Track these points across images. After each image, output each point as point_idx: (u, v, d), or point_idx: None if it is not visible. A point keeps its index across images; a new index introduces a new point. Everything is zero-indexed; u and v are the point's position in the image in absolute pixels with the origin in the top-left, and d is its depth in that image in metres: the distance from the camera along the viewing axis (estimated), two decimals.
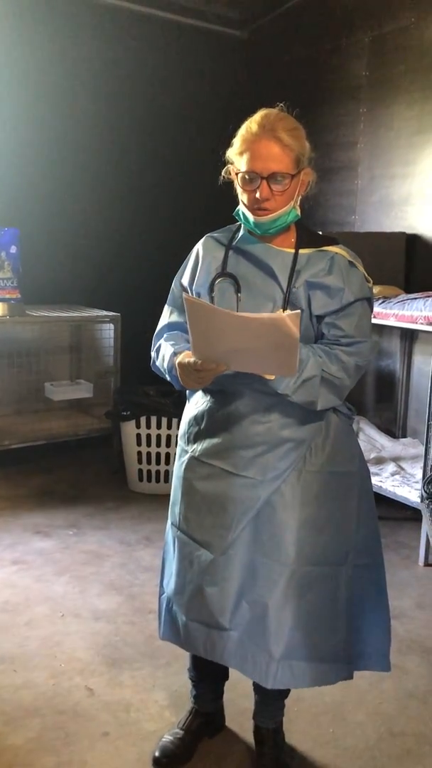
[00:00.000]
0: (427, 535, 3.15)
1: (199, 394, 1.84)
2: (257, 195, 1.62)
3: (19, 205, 4.30)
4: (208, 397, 1.80)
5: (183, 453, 1.85)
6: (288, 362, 1.50)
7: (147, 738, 2.06)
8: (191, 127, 4.89)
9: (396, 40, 4.05)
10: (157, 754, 1.96)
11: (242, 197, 1.68)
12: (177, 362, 1.65)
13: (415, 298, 3.33)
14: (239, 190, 1.68)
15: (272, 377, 1.61)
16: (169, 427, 3.83)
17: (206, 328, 1.51)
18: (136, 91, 4.69)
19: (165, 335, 1.81)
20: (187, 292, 1.77)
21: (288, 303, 1.66)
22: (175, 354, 1.70)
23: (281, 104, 1.68)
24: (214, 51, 4.94)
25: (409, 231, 4.02)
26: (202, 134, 4.83)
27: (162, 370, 1.78)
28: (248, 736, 2.04)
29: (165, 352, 1.75)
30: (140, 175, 4.80)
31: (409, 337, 4.04)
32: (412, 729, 2.14)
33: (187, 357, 1.62)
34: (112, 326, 4.28)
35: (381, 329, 3.97)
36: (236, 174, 1.66)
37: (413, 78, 3.96)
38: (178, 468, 1.87)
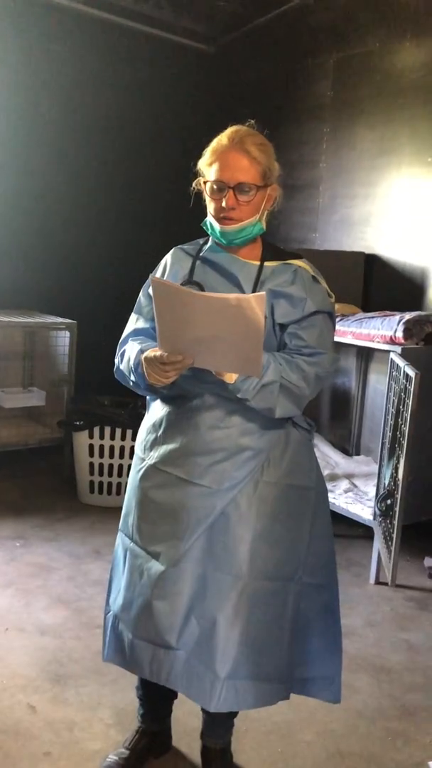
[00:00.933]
0: (378, 553, 3.15)
1: (158, 402, 1.82)
2: (223, 204, 1.65)
3: None
4: (168, 404, 1.78)
5: (139, 461, 1.82)
6: (253, 357, 1.50)
7: (91, 758, 1.99)
8: (156, 138, 4.88)
9: (360, 63, 4.13)
10: None
11: (210, 207, 1.71)
12: (143, 357, 1.64)
13: (373, 317, 3.36)
14: (208, 199, 1.71)
15: (234, 379, 1.60)
16: (123, 438, 3.78)
17: (173, 313, 1.51)
18: (102, 100, 4.67)
19: (130, 340, 1.78)
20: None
21: None
22: (141, 351, 1.68)
23: (251, 121, 1.74)
24: (181, 64, 4.95)
25: (368, 251, 4.07)
26: (166, 145, 4.82)
27: (126, 373, 1.75)
28: (196, 756, 1.99)
29: (131, 352, 1.73)
30: (102, 183, 4.76)
31: (366, 355, 4.08)
32: (361, 749, 2.12)
33: (153, 352, 1.61)
34: (67, 333, 4.20)
35: (338, 347, 4.00)
36: (205, 183, 1.70)
37: (376, 101, 4.03)
38: (133, 477, 1.83)
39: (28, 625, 2.63)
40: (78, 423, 3.81)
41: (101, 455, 3.81)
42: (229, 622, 1.69)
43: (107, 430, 3.78)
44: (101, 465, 3.82)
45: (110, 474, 3.82)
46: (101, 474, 3.83)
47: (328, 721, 2.22)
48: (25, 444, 4.20)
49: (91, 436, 3.79)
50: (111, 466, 3.81)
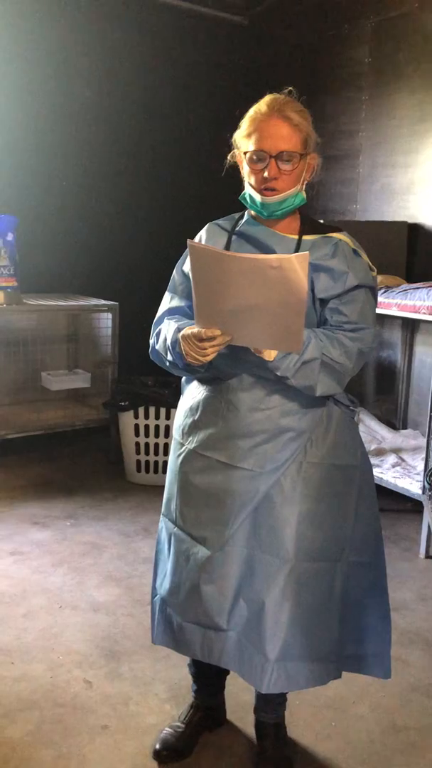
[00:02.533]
0: (428, 527, 3.12)
1: (194, 384, 1.80)
2: (265, 174, 1.60)
3: (16, 192, 4.24)
4: (204, 387, 1.75)
5: (178, 446, 1.80)
6: (294, 329, 1.44)
7: (147, 731, 2.03)
8: (191, 114, 4.83)
9: (399, 26, 4.00)
10: (157, 746, 1.93)
11: (249, 179, 1.65)
12: (180, 335, 1.61)
13: (418, 288, 3.29)
14: (246, 171, 1.66)
15: (273, 357, 1.55)
16: (168, 417, 3.80)
17: (210, 280, 1.46)
18: (136, 77, 4.63)
19: (165, 319, 1.77)
20: (189, 279, 1.73)
21: None
22: (179, 329, 1.65)
23: (290, 88, 1.67)
24: (214, 37, 4.87)
25: (410, 220, 3.98)
26: (202, 121, 4.77)
27: (163, 353, 1.72)
28: (250, 730, 2.01)
29: (167, 331, 1.70)
30: (139, 162, 4.74)
31: (411, 327, 4.01)
32: (415, 722, 2.12)
33: (190, 329, 1.58)
34: (110, 315, 4.23)
35: (382, 319, 3.94)
36: (244, 154, 1.64)
37: (416, 65, 3.91)
38: (173, 462, 1.82)
39: (82, 602, 2.69)
40: (123, 404, 3.84)
41: (147, 435, 3.84)
42: (277, 604, 1.68)
43: (152, 409, 3.81)
44: (147, 444, 3.85)
45: (156, 453, 3.85)
46: (147, 453, 3.86)
47: (381, 696, 2.22)
48: (71, 426, 4.26)
49: (136, 416, 3.82)
50: (156, 445, 3.84)
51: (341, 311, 1.65)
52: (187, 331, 1.59)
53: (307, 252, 1.38)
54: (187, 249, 1.75)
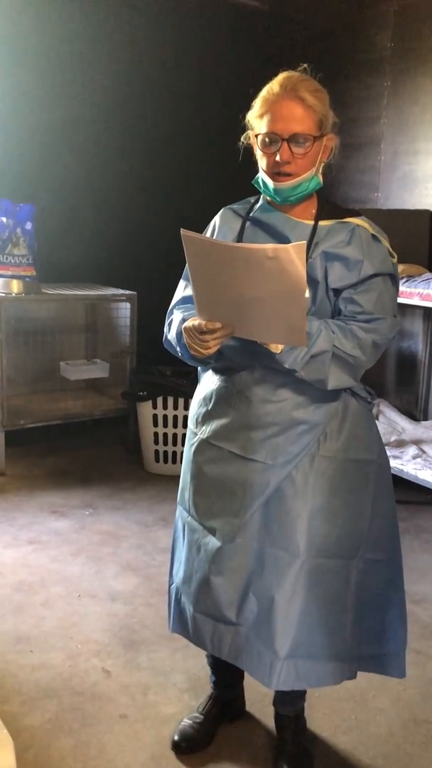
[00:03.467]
0: None
1: (209, 373, 1.77)
2: (277, 158, 1.54)
3: (34, 181, 4.23)
4: (218, 376, 1.72)
5: (192, 435, 1.78)
6: (296, 323, 1.40)
7: (166, 721, 2.02)
8: (210, 102, 4.78)
9: (422, 10, 3.92)
10: (176, 737, 1.93)
11: (261, 162, 1.60)
12: (183, 327, 1.58)
13: None
14: (259, 154, 1.60)
15: (279, 349, 1.51)
16: (186, 407, 3.78)
17: (208, 271, 1.41)
18: (155, 65, 4.59)
19: (176, 309, 1.74)
20: None
21: None
22: (183, 320, 1.62)
23: (304, 65, 1.60)
24: (234, 23, 4.82)
25: None
26: (222, 109, 4.72)
27: (173, 343, 1.70)
28: (269, 722, 2.00)
29: (175, 322, 1.68)
30: (157, 150, 4.70)
31: None
32: None
33: (192, 321, 1.55)
34: (128, 305, 4.21)
35: (404, 309, 3.89)
36: (256, 137, 1.58)
37: None
38: (187, 451, 1.80)
39: (100, 591, 2.69)
40: (141, 393, 3.83)
41: (165, 425, 3.83)
42: (286, 600, 1.64)
43: (170, 400, 3.80)
44: (165, 435, 3.84)
45: (174, 443, 3.84)
46: (165, 443, 3.85)
47: (401, 689, 2.20)
48: (90, 415, 4.26)
49: (154, 407, 3.81)
50: (175, 435, 3.83)
51: (355, 301, 1.59)
52: (189, 323, 1.55)
53: (304, 242, 1.32)
54: (203, 233, 1.71)
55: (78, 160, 4.41)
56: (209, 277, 1.43)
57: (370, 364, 1.62)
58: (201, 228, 1.79)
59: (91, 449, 4.25)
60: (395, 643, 1.82)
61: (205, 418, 1.74)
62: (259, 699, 2.09)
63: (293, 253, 1.30)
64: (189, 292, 1.74)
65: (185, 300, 1.74)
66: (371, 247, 1.60)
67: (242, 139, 1.64)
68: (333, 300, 1.61)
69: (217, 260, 1.39)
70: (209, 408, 1.73)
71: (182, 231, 1.39)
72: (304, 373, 1.55)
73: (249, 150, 1.65)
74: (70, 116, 4.34)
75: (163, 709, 2.08)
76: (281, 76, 1.57)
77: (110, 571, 2.84)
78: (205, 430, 1.73)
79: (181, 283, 1.79)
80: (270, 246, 1.33)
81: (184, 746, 1.91)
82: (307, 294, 1.44)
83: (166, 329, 1.75)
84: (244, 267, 1.36)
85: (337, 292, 1.60)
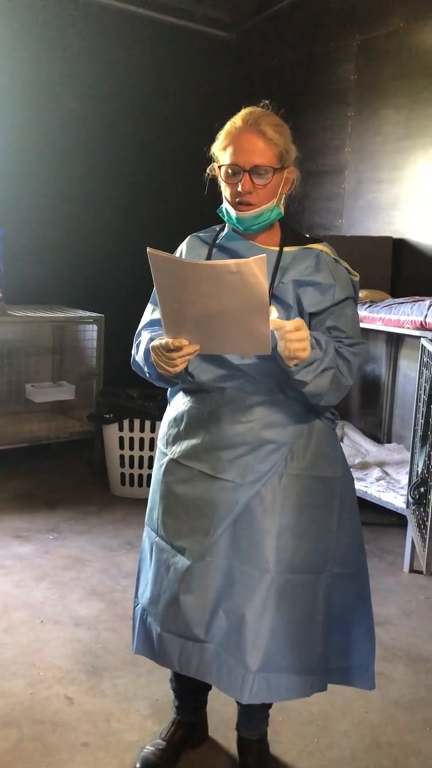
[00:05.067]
0: (412, 541, 3.12)
1: (180, 395, 1.80)
2: (239, 188, 1.60)
3: (1, 204, 4.23)
4: (188, 398, 1.76)
5: (162, 456, 1.80)
6: (260, 332, 1.44)
7: (128, 749, 2.00)
8: (178, 128, 4.85)
9: (384, 44, 4.05)
10: (138, 765, 1.91)
11: (225, 192, 1.66)
12: (151, 345, 1.61)
13: (402, 303, 3.31)
14: (222, 185, 1.66)
15: (293, 363, 1.53)
16: (153, 430, 3.78)
17: (173, 288, 1.45)
18: (123, 90, 4.65)
19: (143, 332, 1.77)
20: None
21: (272, 297, 1.62)
22: (151, 340, 1.66)
23: (266, 102, 1.69)
24: (202, 52, 4.91)
25: (396, 235, 4.01)
26: (189, 135, 4.79)
27: (141, 364, 1.73)
28: (232, 747, 1.99)
29: (143, 342, 1.71)
30: (124, 175, 4.75)
31: (395, 342, 4.03)
32: (399, 739, 2.10)
33: (159, 340, 1.58)
34: (95, 327, 4.22)
35: (367, 334, 3.95)
36: (219, 168, 1.65)
37: (401, 83, 3.96)
38: (156, 471, 1.82)
39: (63, 617, 2.66)
40: (107, 416, 3.82)
41: (131, 447, 3.82)
42: (257, 616, 1.66)
43: (137, 422, 3.79)
44: (132, 457, 3.83)
45: (141, 466, 3.83)
46: (132, 466, 3.84)
47: (364, 711, 2.21)
48: (56, 438, 4.23)
49: (121, 429, 3.81)
50: (141, 458, 3.83)
51: (339, 327, 1.65)
52: (156, 341, 1.59)
53: (264, 255, 1.37)
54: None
55: (45, 183, 4.43)
56: (175, 295, 1.46)
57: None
58: (173, 252, 1.82)
59: (57, 472, 4.21)
60: (363, 655, 1.85)
61: (176, 439, 1.76)
62: (222, 724, 2.09)
63: (254, 266, 1.36)
64: (157, 315, 1.76)
65: (153, 323, 1.77)
66: (337, 270, 1.68)
67: (208, 171, 1.70)
68: (308, 323, 1.65)
69: (182, 278, 1.43)
70: (180, 429, 1.75)
71: (149, 249, 1.43)
72: (310, 386, 1.57)
73: (215, 180, 1.71)
74: (38, 139, 4.37)
75: (125, 736, 2.06)
76: (244, 111, 1.64)
77: (74, 596, 2.82)
78: (175, 451, 1.75)
79: (149, 307, 1.82)
80: (232, 261, 1.39)
81: None
82: (275, 313, 1.49)
83: (133, 351, 1.78)
84: (209, 283, 1.41)
85: (313, 315, 1.66)
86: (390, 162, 4.06)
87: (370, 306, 3.42)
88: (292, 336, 1.48)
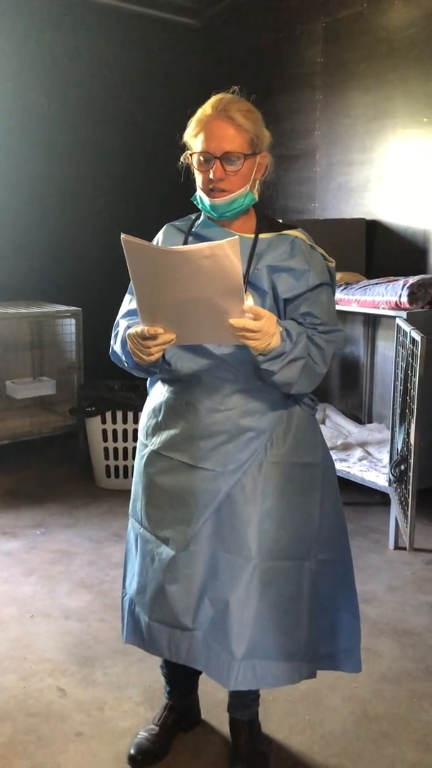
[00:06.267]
0: (396, 519, 3.16)
1: (158, 385, 1.80)
2: (211, 175, 1.61)
3: None
4: (166, 388, 1.76)
5: (143, 447, 1.81)
6: (236, 316, 1.45)
7: (122, 736, 2.03)
8: (148, 117, 4.83)
9: (349, 26, 4.05)
10: (132, 751, 1.93)
11: (198, 180, 1.66)
12: (127, 333, 1.61)
13: (377, 284, 3.34)
14: (195, 172, 1.67)
15: (261, 349, 1.53)
16: (135, 421, 3.79)
17: (148, 276, 1.45)
18: (92, 80, 4.62)
19: (121, 321, 1.77)
20: None
21: (247, 284, 1.63)
22: (128, 328, 1.66)
23: (235, 88, 1.68)
24: (168, 40, 4.89)
25: (368, 217, 4.03)
26: (160, 123, 4.77)
27: (119, 352, 1.73)
28: (224, 729, 2.02)
29: (121, 331, 1.71)
30: (98, 165, 4.73)
31: (372, 322, 4.06)
32: (387, 712, 2.15)
33: (135, 328, 1.58)
34: (73, 321, 4.21)
35: (344, 315, 3.98)
36: (191, 156, 1.65)
37: (368, 64, 3.96)
38: (138, 463, 1.83)
39: (53, 610, 2.67)
40: (90, 409, 3.83)
41: (115, 440, 3.83)
42: (241, 603, 1.68)
43: (119, 414, 3.80)
44: (116, 449, 3.84)
45: (125, 458, 3.85)
46: (116, 458, 3.85)
47: (353, 687, 2.25)
48: (39, 433, 4.23)
49: (103, 422, 3.81)
50: (125, 449, 3.84)
51: (313, 314, 1.65)
52: (132, 329, 1.59)
53: (236, 237, 1.37)
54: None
55: (19, 176, 4.40)
56: (150, 282, 1.46)
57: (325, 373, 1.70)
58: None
59: (41, 468, 4.21)
60: (349, 640, 1.87)
61: (155, 430, 1.77)
62: (214, 706, 2.12)
63: (227, 248, 1.36)
64: (134, 305, 1.76)
65: (131, 313, 1.77)
66: (312, 256, 1.68)
67: (182, 158, 1.70)
68: (283, 311, 1.67)
69: (157, 265, 1.43)
70: (159, 419, 1.76)
71: (123, 236, 1.42)
72: (279, 376, 1.59)
73: (191, 168, 1.71)
74: (10, 132, 4.33)
75: (119, 723, 2.08)
76: (213, 98, 1.64)
77: (63, 589, 2.83)
78: (156, 442, 1.76)
79: (127, 297, 1.83)
80: (205, 244, 1.39)
81: (140, 759, 1.91)
82: (251, 300, 1.49)
83: (112, 341, 1.78)
84: (184, 269, 1.40)
85: (288, 301, 1.66)
86: (360, 144, 4.07)
87: (345, 288, 3.45)
88: (248, 325, 1.48)
